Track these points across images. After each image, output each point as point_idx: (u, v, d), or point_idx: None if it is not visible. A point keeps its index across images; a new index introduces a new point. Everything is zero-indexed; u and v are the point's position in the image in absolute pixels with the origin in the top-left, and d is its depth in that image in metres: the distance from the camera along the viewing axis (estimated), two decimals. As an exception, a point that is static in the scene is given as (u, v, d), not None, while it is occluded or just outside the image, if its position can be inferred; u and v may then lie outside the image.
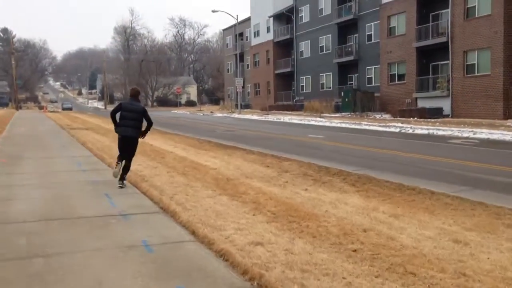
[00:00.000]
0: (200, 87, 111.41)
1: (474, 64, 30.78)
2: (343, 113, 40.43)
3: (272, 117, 41.00)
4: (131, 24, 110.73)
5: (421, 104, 34.77)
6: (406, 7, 36.03)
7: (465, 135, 20.88)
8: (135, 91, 9.45)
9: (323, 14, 48.26)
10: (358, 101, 38.68)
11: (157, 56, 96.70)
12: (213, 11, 52.13)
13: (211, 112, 57.97)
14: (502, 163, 12.52)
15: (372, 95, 39.48)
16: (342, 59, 45.07)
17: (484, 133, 20.79)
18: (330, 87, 47.75)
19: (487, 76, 29.67)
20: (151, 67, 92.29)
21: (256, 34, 62.86)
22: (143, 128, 9.29)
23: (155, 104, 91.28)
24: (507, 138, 19.15)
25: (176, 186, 8.77)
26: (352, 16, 43.19)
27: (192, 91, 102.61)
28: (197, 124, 33.45)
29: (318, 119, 35.62)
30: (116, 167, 9.08)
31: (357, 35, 43.86)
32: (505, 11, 28.22)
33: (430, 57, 35.20)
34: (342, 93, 42.28)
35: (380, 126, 27.09)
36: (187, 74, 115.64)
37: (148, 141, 16.12)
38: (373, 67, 41.55)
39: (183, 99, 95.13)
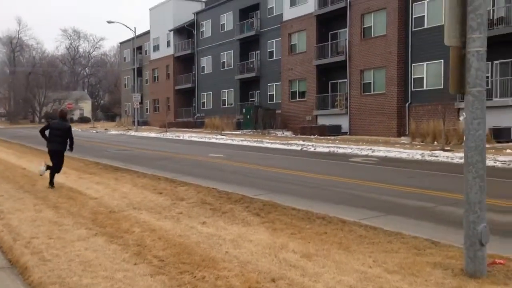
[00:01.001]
0: (96, 103, 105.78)
1: (370, 82, 31.74)
2: (244, 130, 39.86)
3: (171, 135, 39.27)
4: (18, 34, 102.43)
5: (321, 121, 35.21)
6: (306, 25, 36.53)
7: (364, 153, 20.96)
8: (63, 113, 11.42)
9: (225, 30, 47.75)
10: (260, 118, 38.33)
11: (47, 69, 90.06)
12: (109, 22, 49.38)
13: (106, 129, 54.64)
14: (408, 183, 12.22)
15: (274, 112, 39.38)
16: (244, 75, 44.70)
17: (382, 151, 21.00)
18: (231, 104, 47.13)
19: (382, 94, 30.67)
20: (39, 80, 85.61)
21: (156, 48, 60.83)
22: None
23: (42, 120, 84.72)
24: (403, 155, 19.43)
25: (39, 225, 7.03)
26: (254, 32, 43.08)
27: (86, 107, 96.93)
28: (88, 143, 30.82)
29: (219, 136, 34.61)
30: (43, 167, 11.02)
31: (259, 51, 43.79)
32: (399, 31, 29.44)
33: (329, 75, 35.88)
34: (244, 109, 41.78)
35: (282, 144, 26.66)
36: (81, 89, 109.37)
37: (21, 164, 13.86)
38: (274, 84, 41.60)
39: (76, 115, 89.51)
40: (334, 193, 11.01)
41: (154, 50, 61.33)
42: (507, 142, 23.06)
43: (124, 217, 7.73)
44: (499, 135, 23.29)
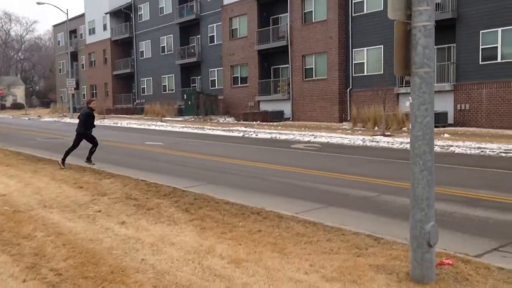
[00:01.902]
0: (30, 89, 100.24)
1: (312, 68, 31.44)
2: (186, 117, 38.69)
3: (109, 122, 37.47)
4: None
5: (264, 107, 34.66)
6: (247, 10, 35.65)
7: (307, 139, 20.56)
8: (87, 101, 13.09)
9: (164, 13, 46.00)
10: (202, 104, 37.27)
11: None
12: (38, 3, 46.20)
13: (39, 116, 51.65)
14: (350, 171, 11.78)
15: (216, 98, 38.43)
16: (184, 60, 43.30)
17: (324, 137, 20.68)
18: (172, 90, 45.67)
19: (324, 80, 30.46)
20: (-34, 65, 79.76)
21: (92, 31, 57.93)
22: None
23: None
24: (345, 141, 19.17)
25: None
26: (194, 16, 41.68)
27: (19, 93, 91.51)
28: (16, 131, 28.68)
29: (159, 123, 33.30)
30: None
31: (199, 36, 42.49)
32: (339, 17, 29.20)
33: (271, 61, 35.30)
34: (185, 95, 40.52)
35: (223, 130, 25.85)
36: (14, 74, 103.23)
37: None
38: (216, 69, 40.55)
39: (8, 102, 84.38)
40: (274, 183, 10.38)
41: (90, 34, 58.41)
42: (444, 126, 23.41)
43: (29, 218, 6.69)
44: (437, 119, 23.57)
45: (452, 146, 16.15)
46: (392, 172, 11.63)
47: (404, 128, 23.43)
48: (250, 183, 10.41)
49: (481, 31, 22.74)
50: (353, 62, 29.24)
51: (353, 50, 29.13)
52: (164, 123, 33.04)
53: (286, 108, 33.06)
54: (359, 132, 23.07)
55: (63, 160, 12.11)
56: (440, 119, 23.67)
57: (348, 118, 28.59)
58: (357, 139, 19.48)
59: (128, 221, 6.62)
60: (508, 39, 21.93)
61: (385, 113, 21.74)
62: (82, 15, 59.72)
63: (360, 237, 5.75)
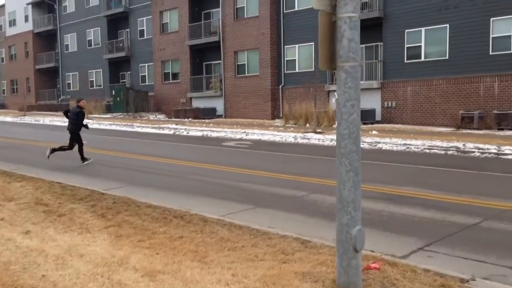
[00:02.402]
0: None
1: (245, 64, 31.19)
2: (115, 114, 37.22)
3: (30, 119, 35.28)
4: None
5: (196, 104, 34.02)
6: (178, 3, 34.78)
7: (238, 136, 20.28)
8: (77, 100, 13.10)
9: (90, 5, 43.96)
10: (131, 100, 36.00)
11: None
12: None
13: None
14: (281, 169, 11.58)
15: (146, 94, 37.27)
16: (113, 55, 41.60)
17: (256, 134, 20.49)
18: (100, 85, 43.80)
19: (256, 76, 30.32)
20: None
21: (12, 23, 54.43)
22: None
23: None
24: (277, 139, 19.07)
25: None
26: (122, 9, 40.08)
27: None
28: None
29: (86, 120, 31.69)
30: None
31: (128, 30, 40.98)
32: (271, 13, 29.13)
33: (203, 56, 34.69)
34: (114, 92, 38.95)
35: (153, 128, 25.02)
36: None
37: None
38: (146, 64, 39.29)
39: None
40: (203, 183, 9.95)
41: (10, 25, 54.85)
42: (372, 123, 23.98)
43: None
44: (366, 116, 24.11)
45: (379, 143, 16.45)
46: (322, 170, 11.56)
47: (335, 125, 23.74)
48: (177, 183, 9.92)
49: (406, 31, 23.47)
50: (285, 58, 29.30)
51: (285, 46, 29.19)
52: (90, 121, 31.46)
53: (219, 105, 32.63)
54: (291, 129, 23.10)
55: (83, 158, 12.72)
56: (369, 116, 24.23)
57: (281, 115, 28.64)
58: (289, 136, 19.43)
59: (34, 230, 5.95)
60: (431, 39, 22.77)
61: (316, 110, 21.89)
62: (2, 6, 55.98)
63: (287, 241, 5.47)
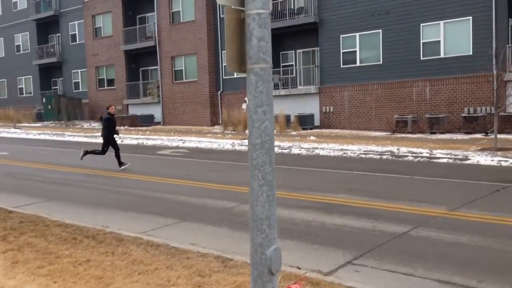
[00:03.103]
0: None
1: (182, 70, 30.50)
2: (46, 122, 35.41)
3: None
4: None
5: (133, 111, 32.89)
6: (111, 7, 33.56)
7: (175, 144, 19.63)
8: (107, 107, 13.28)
9: (18, 8, 41.66)
10: (63, 108, 34.31)
11: None
12: None
13: None
14: (213, 179, 11.10)
15: (80, 102, 35.69)
16: (43, 60, 39.54)
17: (193, 141, 19.91)
18: (31, 93, 41.54)
19: (195, 82, 29.72)
20: None
21: None
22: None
23: None
24: (214, 146, 18.59)
25: None
26: (52, 12, 38.17)
27: None
28: None
29: (13, 130, 29.89)
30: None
31: (59, 34, 39.13)
32: (208, 17, 28.67)
33: (139, 62, 33.66)
34: (44, 99, 37.01)
35: (86, 136, 23.82)
36: None
37: None
38: (80, 70, 37.66)
39: None
40: (129, 196, 9.30)
41: None
42: (311, 128, 24.02)
43: None
44: (305, 122, 24.14)
45: (317, 148, 16.34)
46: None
47: (274, 131, 23.55)
48: (99, 197, 9.21)
49: (341, 36, 23.70)
50: (223, 64, 28.90)
51: (223, 52, 28.78)
52: (18, 130, 29.72)
53: (157, 112, 31.71)
54: (230, 136, 22.68)
55: (86, 153, 13.29)
56: (307, 122, 24.26)
57: (220, 122, 28.17)
58: (227, 143, 19.00)
59: None
60: (365, 44, 23.11)
61: (253, 116, 21.57)
62: None
63: (206, 261, 5.00)
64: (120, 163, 12.89)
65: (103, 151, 13.13)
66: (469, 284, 4.49)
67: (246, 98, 3.70)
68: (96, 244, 5.67)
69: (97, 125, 32.71)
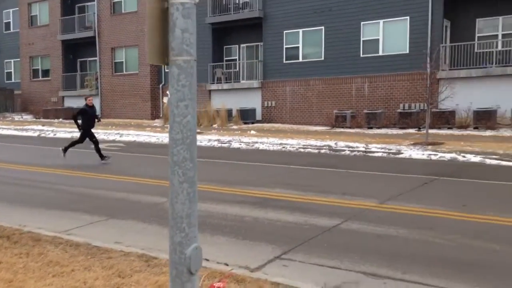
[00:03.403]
0: None
1: (123, 62, 29.65)
2: (-25, 114, 33.38)
3: None
4: None
5: (69, 103, 31.64)
6: (47, -6, 32.11)
7: (112, 138, 19.04)
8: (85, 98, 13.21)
9: None
10: (-6, 99, 32.53)
11: None
12: None
13: None
14: (145, 173, 10.79)
15: (12, 93, 33.96)
16: (-28, 49, 37.31)
17: (131, 135, 19.39)
18: (-41, 83, 39.05)
19: (135, 75, 28.98)
20: None
21: None
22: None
23: None
24: (153, 140, 18.19)
25: None
26: (-17, -2, 36.11)
27: None
28: None
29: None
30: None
31: (-9, 21, 37.03)
32: (149, 9, 27.93)
33: (77, 53, 32.41)
34: (-27, 90, 34.92)
35: (16, 129, 22.67)
36: None
37: None
38: (12, 60, 35.81)
39: None
40: (54, 192, 8.85)
41: None
42: (253, 123, 24.03)
43: None
44: (247, 116, 24.11)
45: (257, 142, 16.34)
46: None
47: (215, 125, 23.41)
48: (23, 194, 8.70)
49: (284, 31, 23.82)
50: (165, 57, 28.30)
51: (165, 44, 28.18)
52: None
53: (95, 104, 30.60)
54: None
55: (66, 149, 13.06)
56: (249, 116, 24.25)
57: (161, 115, 27.64)
58: (166, 137, 18.57)
59: None
60: (308, 40, 23.34)
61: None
62: None
63: (129, 260, 4.78)
64: (102, 157, 12.64)
65: (80, 141, 13.04)
66: (394, 276, 4.56)
67: (168, 92, 3.53)
68: (10, 245, 5.30)
69: (30, 117, 31.28)
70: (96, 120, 13.10)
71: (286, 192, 8.49)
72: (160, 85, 28.50)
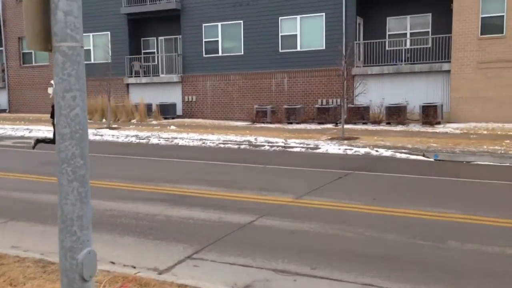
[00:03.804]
0: None
1: (32, 53, 27.84)
2: None
3: None
4: None
5: (-28, 96, 29.28)
6: None
7: (20, 134, 17.84)
8: None
9: None
10: None
11: None
12: None
13: None
14: (50, 171, 10.11)
15: None
16: None
17: (41, 131, 18.24)
18: None
19: (46, 66, 27.31)
20: None
21: None
22: None
23: None
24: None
25: None
26: None
27: None
28: None
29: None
30: None
31: None
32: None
33: (-20, 42, 30.01)
34: None
35: None
36: None
37: None
38: None
39: None
40: None
41: None
42: (173, 118, 23.54)
43: None
44: (167, 111, 23.56)
45: (176, 138, 15.98)
46: (104, 169, 10.49)
47: (133, 120, 22.65)
48: None
49: (203, 24, 23.49)
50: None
51: (79, 35, 26.80)
52: None
53: (2, 98, 28.60)
54: (85, 124, 21.22)
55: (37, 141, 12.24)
56: (170, 111, 23.72)
57: (76, 110, 26.27)
58: (80, 133, 17.69)
59: None
60: (227, 34, 23.20)
61: (110, 104, 20.48)
62: None
63: (24, 266, 4.38)
64: (37, 142, 12.03)
65: (54, 140, 11.40)
66: (302, 271, 4.53)
67: (52, 81, 3.20)
68: None
69: None
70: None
71: (203, 188, 8.31)
72: (74, 78, 27.06)
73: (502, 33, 17.84)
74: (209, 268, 4.67)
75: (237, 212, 6.71)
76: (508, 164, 10.94)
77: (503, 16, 17.80)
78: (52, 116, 11.42)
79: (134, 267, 4.61)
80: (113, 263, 4.76)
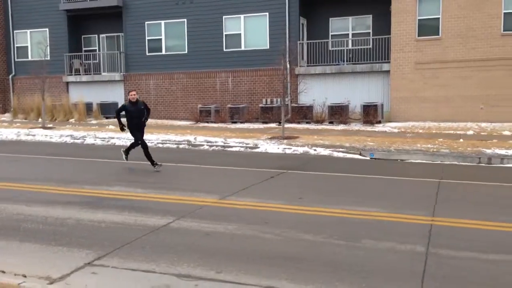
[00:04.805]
0: None
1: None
2: None
3: None
4: None
5: None
6: None
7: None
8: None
9: None
10: None
11: None
12: None
13: None
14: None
15: None
16: None
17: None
18: None
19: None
20: None
21: None
22: None
23: None
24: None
25: None
26: None
27: None
28: None
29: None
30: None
31: None
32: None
33: None
34: None
35: None
36: None
37: None
38: None
39: None
40: None
41: None
42: (115, 117, 22.77)
43: None
44: (108, 110, 22.79)
45: (113, 138, 15.48)
46: (26, 171, 9.91)
47: (71, 120, 21.79)
48: None
49: (146, 22, 22.91)
50: (16, 45, 25.71)
51: (15, 31, 25.60)
52: None
53: None
54: (18, 124, 20.26)
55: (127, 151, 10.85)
56: (111, 110, 22.90)
57: (11, 109, 25.06)
58: (12, 133, 16.87)
59: None
60: (170, 32, 22.71)
61: (44, 103, 19.58)
62: None
63: None
64: (153, 163, 10.17)
65: (136, 143, 10.75)
66: (207, 276, 4.29)
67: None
68: None
69: None
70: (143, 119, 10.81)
71: (126, 190, 7.94)
72: (10, 76, 25.84)
73: (438, 34, 18.32)
74: (108, 275, 4.34)
75: (156, 214, 6.40)
76: (439, 162, 11.15)
77: (438, 18, 18.28)
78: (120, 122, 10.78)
79: (25, 276, 4.23)
80: (3, 272, 4.36)
